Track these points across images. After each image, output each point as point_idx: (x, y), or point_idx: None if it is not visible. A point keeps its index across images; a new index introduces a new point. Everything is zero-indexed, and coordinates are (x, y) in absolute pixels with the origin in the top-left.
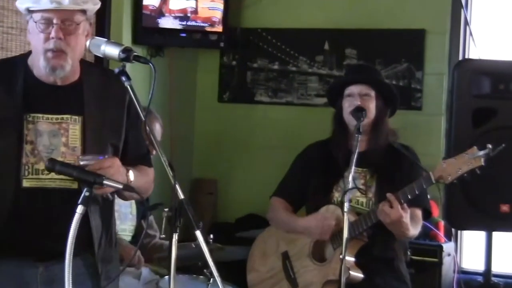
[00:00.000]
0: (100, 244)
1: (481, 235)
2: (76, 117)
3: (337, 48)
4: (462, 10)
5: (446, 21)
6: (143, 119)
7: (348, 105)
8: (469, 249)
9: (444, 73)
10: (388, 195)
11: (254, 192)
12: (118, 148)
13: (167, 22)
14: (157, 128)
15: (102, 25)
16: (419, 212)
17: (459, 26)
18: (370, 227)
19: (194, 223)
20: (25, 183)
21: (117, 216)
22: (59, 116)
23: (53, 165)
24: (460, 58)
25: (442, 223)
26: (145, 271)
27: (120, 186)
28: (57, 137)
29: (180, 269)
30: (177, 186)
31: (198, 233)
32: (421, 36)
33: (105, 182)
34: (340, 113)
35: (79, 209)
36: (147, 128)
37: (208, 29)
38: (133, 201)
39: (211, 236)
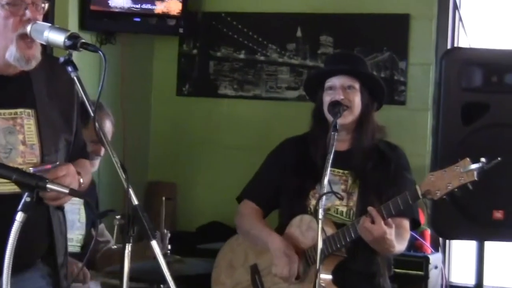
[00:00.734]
0: (60, 254)
1: (471, 245)
2: (29, 110)
3: (311, 35)
4: None
5: (433, 5)
6: (92, 114)
7: (329, 100)
8: (458, 261)
9: (430, 63)
10: (370, 209)
11: (218, 198)
12: (70, 142)
13: (119, 5)
14: (108, 126)
15: None
16: (406, 223)
17: (447, 10)
18: (351, 241)
19: (149, 233)
20: None
21: None
22: (13, 111)
23: None
24: (449, 46)
25: (428, 232)
26: (93, 286)
27: (66, 191)
28: (13, 135)
29: (134, 282)
30: (131, 191)
31: (154, 244)
32: (405, 21)
33: (48, 186)
34: (320, 108)
35: (19, 216)
36: (97, 125)
37: (165, 12)
38: (81, 207)
39: (169, 247)
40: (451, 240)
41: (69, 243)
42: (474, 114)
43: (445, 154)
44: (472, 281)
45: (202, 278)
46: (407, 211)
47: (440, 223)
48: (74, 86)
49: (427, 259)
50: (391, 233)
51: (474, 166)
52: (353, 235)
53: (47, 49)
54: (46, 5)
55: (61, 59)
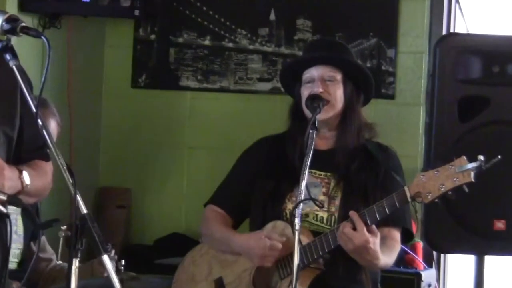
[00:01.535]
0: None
1: (469, 259)
2: None
3: (286, 19)
4: None
5: None
6: (34, 109)
7: (307, 94)
8: (455, 278)
9: (423, 52)
10: (351, 213)
11: (180, 206)
12: (12, 138)
13: None
14: (53, 127)
15: None
16: (396, 233)
17: None
18: (328, 252)
19: (100, 246)
20: None
21: None
22: None
23: None
24: (444, 32)
25: (420, 245)
26: None
27: (4, 198)
28: None
29: None
30: (79, 197)
31: (105, 258)
32: (394, 3)
33: None
34: (298, 102)
35: None
36: (40, 121)
37: None
38: (19, 217)
39: (123, 262)
40: (446, 254)
41: None
42: (472, 109)
43: (439, 155)
44: None
45: None
46: (398, 219)
47: (434, 234)
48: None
49: (419, 276)
50: (374, 242)
51: (470, 165)
52: (332, 245)
53: None
54: None
55: None
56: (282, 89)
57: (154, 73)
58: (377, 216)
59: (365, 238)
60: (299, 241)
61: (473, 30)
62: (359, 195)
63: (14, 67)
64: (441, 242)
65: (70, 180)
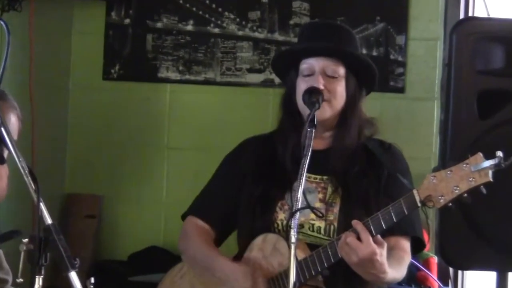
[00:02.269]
0: None
1: (491, 276)
2: None
3: (281, 1)
4: None
5: None
6: None
7: (304, 87)
8: None
9: (437, 38)
10: (354, 222)
11: (158, 215)
12: None
13: None
14: (13, 122)
15: None
16: (405, 244)
17: None
18: (328, 268)
19: (67, 261)
20: None
21: None
22: None
23: None
24: (461, 16)
25: (434, 260)
26: None
27: None
28: None
29: None
30: (42, 206)
31: (72, 275)
32: None
33: None
34: (291, 95)
35: None
36: None
37: None
38: None
39: (92, 280)
40: (464, 271)
41: None
42: (493, 104)
43: (456, 157)
44: None
45: None
46: (406, 227)
47: (450, 248)
48: None
49: None
50: (381, 254)
51: (488, 163)
52: (332, 259)
53: None
54: None
55: None
56: (276, 81)
57: (129, 63)
58: (383, 225)
59: (372, 249)
60: (295, 256)
61: (495, 14)
62: (361, 201)
63: None
64: (459, 257)
65: (33, 185)
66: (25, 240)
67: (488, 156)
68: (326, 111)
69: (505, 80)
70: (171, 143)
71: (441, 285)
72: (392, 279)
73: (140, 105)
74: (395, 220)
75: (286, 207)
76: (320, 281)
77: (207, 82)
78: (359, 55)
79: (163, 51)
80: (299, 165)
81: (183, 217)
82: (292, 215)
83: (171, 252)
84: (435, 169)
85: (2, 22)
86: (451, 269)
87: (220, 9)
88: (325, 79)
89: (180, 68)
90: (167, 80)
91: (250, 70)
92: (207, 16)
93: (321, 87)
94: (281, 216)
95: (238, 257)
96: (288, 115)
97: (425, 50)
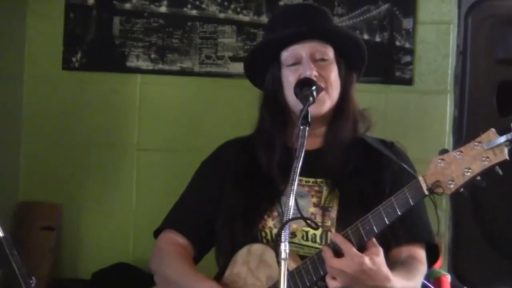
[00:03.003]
0: None
1: None
2: None
3: None
4: None
5: None
6: None
7: (293, 79)
8: None
9: (450, 22)
10: (333, 236)
11: (126, 227)
12: None
13: None
14: None
15: None
16: (418, 251)
17: None
18: (323, 278)
19: (20, 279)
20: None
21: None
22: None
23: None
24: None
25: (447, 279)
26: None
27: None
28: None
29: None
30: None
31: None
32: None
33: None
34: (276, 92)
35: None
36: None
37: None
38: None
39: None
40: None
41: None
42: None
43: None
44: None
45: None
46: (418, 232)
47: (465, 266)
48: None
49: None
50: (373, 260)
51: (503, 138)
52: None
53: None
54: None
55: None
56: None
57: (93, 50)
58: (386, 220)
59: (358, 260)
60: (286, 267)
61: None
62: (360, 203)
63: None
64: (474, 275)
65: None
66: None
67: (502, 132)
68: (324, 103)
69: None
70: (142, 143)
71: None
72: None
73: (105, 99)
74: (399, 213)
75: (275, 213)
76: None
77: (183, 72)
78: (347, 31)
79: (132, 36)
80: (286, 170)
81: (156, 233)
82: (283, 225)
83: (142, 270)
84: (443, 151)
85: None
86: None
87: None
88: (316, 65)
89: (152, 56)
90: (137, 70)
91: (234, 59)
92: None
93: (314, 74)
94: (269, 223)
95: (218, 277)
96: (272, 114)
97: (436, 36)
